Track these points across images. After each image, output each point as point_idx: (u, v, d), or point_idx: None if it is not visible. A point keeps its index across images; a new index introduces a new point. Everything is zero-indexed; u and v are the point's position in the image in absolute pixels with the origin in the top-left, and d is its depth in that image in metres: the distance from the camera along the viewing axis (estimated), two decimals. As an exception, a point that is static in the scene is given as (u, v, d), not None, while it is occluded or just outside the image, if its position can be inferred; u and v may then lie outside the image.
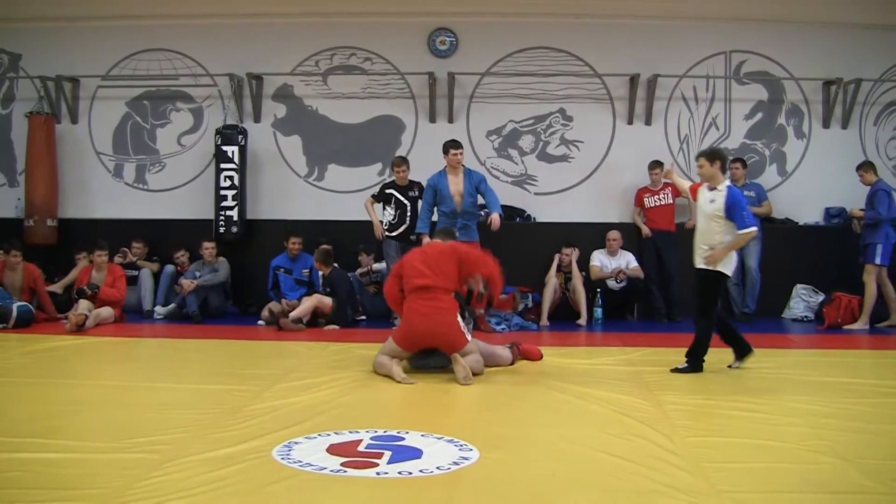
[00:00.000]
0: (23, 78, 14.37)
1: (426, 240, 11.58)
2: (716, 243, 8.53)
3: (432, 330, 8.11)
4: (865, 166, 12.49)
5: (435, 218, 11.97)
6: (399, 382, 7.75)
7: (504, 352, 8.66)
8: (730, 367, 8.66)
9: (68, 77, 14.18)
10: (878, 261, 12.17)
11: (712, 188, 8.70)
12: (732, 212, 8.42)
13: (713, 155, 8.77)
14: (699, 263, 8.67)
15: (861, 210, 12.48)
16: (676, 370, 8.50)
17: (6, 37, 14.46)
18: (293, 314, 11.79)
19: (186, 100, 14.30)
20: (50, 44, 14.22)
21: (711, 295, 8.68)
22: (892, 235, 12.19)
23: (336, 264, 12.26)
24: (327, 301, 11.91)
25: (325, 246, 12.51)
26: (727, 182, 8.71)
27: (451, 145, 11.79)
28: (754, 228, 8.59)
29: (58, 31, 14.23)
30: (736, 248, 8.64)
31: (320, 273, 12.40)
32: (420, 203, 12.37)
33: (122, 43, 14.23)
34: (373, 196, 12.76)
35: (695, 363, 8.57)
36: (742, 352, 8.73)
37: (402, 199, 12.51)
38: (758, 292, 13.02)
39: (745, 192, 12.86)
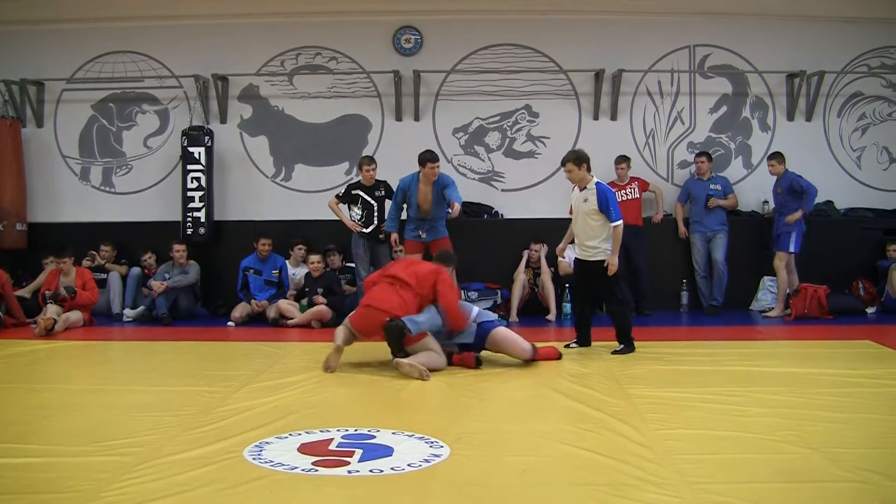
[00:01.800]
0: (-14, 82, 14.29)
1: (394, 237, 11.64)
2: (596, 238, 9.34)
3: (382, 320, 8.20)
4: (779, 157, 12.80)
5: (403, 216, 11.99)
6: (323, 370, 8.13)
7: (526, 344, 8.63)
8: (567, 346, 9.34)
9: (33, 80, 14.08)
10: (792, 248, 12.55)
11: (583, 188, 9.37)
12: (604, 206, 9.18)
13: (578, 159, 9.42)
14: (583, 257, 9.62)
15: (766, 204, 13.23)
16: (616, 352, 9.13)
17: (-31, 41, 14.38)
18: (292, 322, 12.02)
19: (152, 102, 14.23)
20: (13, 47, 14.12)
21: (613, 283, 9.41)
22: (804, 225, 12.59)
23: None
24: (326, 311, 11.90)
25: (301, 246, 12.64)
26: (595, 180, 9.40)
27: (429, 158, 11.57)
28: (620, 222, 9.29)
29: (21, 34, 14.12)
30: (618, 243, 9.33)
31: (298, 273, 12.48)
32: (387, 202, 12.38)
33: (87, 45, 14.14)
34: (337, 196, 12.66)
35: (629, 343, 9.30)
36: (582, 341, 9.62)
37: (368, 199, 12.46)
38: (725, 284, 13.09)
39: (711, 186, 13.03)
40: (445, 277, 8.74)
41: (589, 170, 9.44)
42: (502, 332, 8.67)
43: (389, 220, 11.89)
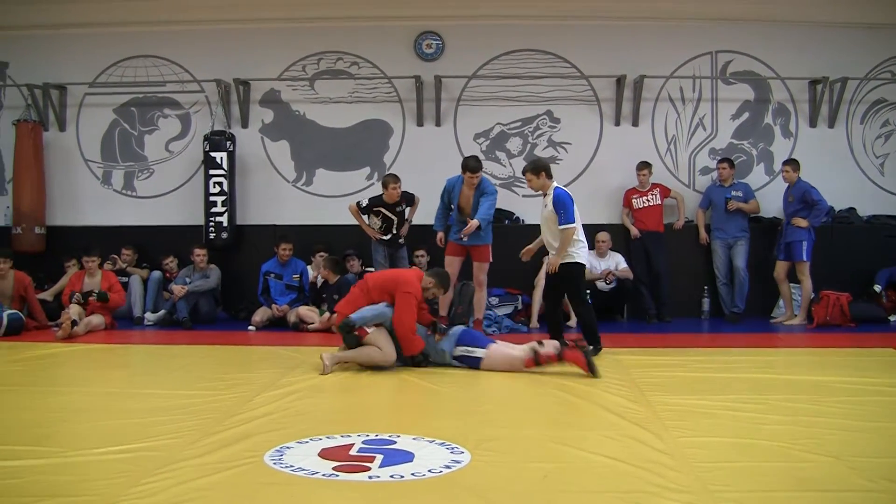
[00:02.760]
0: (10, 86, 14.34)
1: (440, 236, 11.54)
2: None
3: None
4: (794, 164, 12.74)
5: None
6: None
7: (515, 351, 8.59)
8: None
9: (55, 85, 14.16)
10: (805, 257, 12.47)
11: (546, 195, 9.66)
12: (558, 209, 9.40)
13: (535, 168, 9.73)
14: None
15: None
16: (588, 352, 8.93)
17: (-7, 45, 14.46)
18: (312, 327, 12.10)
19: (174, 106, 14.29)
20: (37, 52, 14.20)
21: (577, 285, 9.66)
22: (813, 234, 12.55)
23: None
24: None
25: (328, 255, 12.59)
26: (554, 185, 9.70)
27: (467, 167, 11.23)
28: (571, 226, 9.46)
29: (44, 38, 14.20)
30: (566, 247, 9.47)
31: (320, 279, 12.51)
32: (407, 210, 12.40)
33: (109, 50, 14.21)
34: (358, 204, 12.63)
35: (597, 343, 9.50)
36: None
37: (389, 214, 12.38)
38: (746, 292, 13.04)
39: (733, 192, 12.97)
40: (408, 295, 8.72)
41: (549, 177, 9.77)
42: (489, 361, 8.58)
43: (437, 220, 11.70)
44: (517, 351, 8.54)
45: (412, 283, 8.80)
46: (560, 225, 9.40)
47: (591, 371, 8.05)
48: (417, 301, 8.78)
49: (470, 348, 8.63)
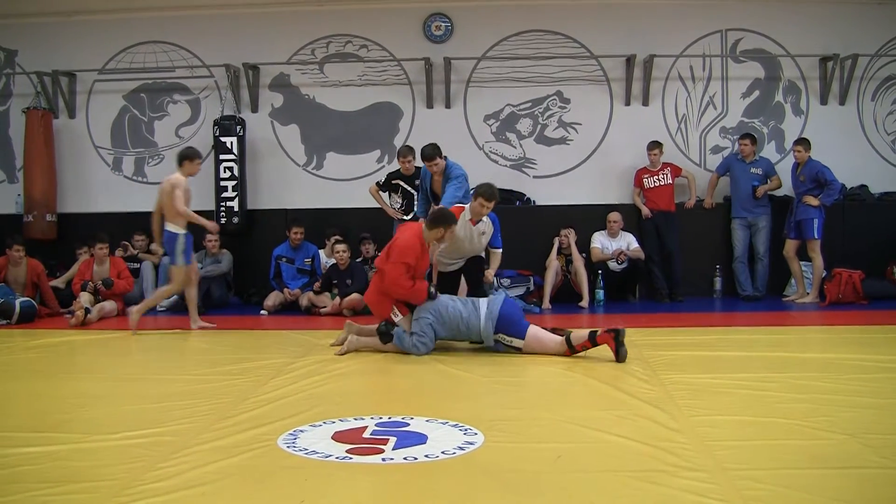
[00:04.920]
0: (19, 74, 14.38)
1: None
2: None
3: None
4: (806, 143, 12.71)
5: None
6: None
7: (551, 344, 8.36)
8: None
9: (65, 72, 14.20)
10: (816, 235, 12.47)
11: (478, 221, 9.62)
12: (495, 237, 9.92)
13: (489, 197, 9.38)
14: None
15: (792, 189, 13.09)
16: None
17: (1, 33, 14.48)
18: (325, 311, 12.16)
19: (183, 91, 14.31)
20: (46, 39, 14.23)
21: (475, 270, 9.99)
22: (824, 212, 12.52)
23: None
24: (357, 298, 11.83)
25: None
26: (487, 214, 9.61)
27: (425, 156, 10.92)
28: (500, 250, 10.19)
29: (53, 26, 14.23)
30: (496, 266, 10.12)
31: (332, 262, 12.50)
32: None
33: (118, 36, 14.24)
34: (377, 184, 12.69)
35: None
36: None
37: (408, 188, 12.38)
38: (767, 276, 13.14)
39: (752, 169, 12.97)
40: (395, 265, 8.51)
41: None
42: (527, 351, 8.43)
43: (419, 207, 11.72)
44: (552, 343, 8.42)
45: (404, 251, 8.52)
46: (493, 246, 9.95)
47: (618, 356, 7.98)
48: (411, 265, 8.51)
49: (508, 337, 8.46)
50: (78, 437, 5.38)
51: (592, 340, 8.09)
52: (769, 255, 13.11)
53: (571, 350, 8.17)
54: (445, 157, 10.80)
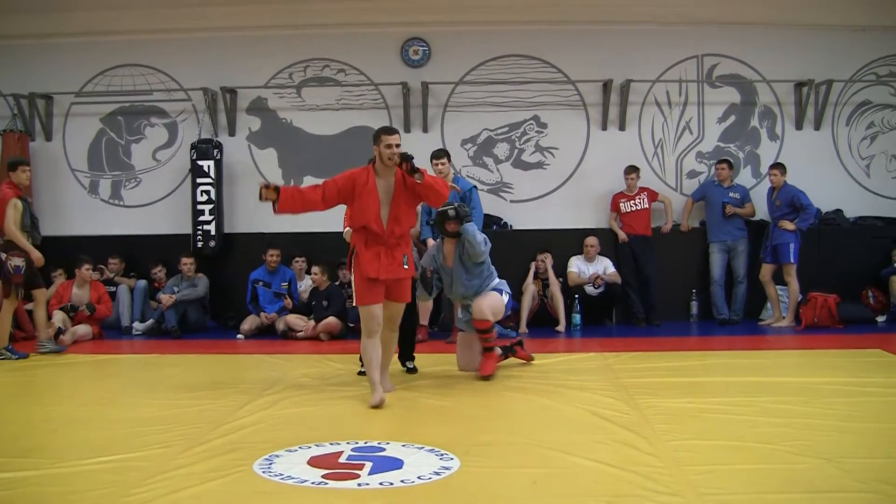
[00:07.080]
0: (-5, 96, 14.33)
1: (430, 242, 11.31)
2: None
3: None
4: (782, 168, 12.79)
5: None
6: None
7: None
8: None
9: (42, 94, 14.13)
10: (792, 259, 12.51)
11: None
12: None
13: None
14: None
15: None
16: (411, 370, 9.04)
17: (-23, 55, 14.41)
18: (301, 335, 12.07)
19: (161, 115, 14.26)
20: (22, 61, 14.16)
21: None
22: (800, 235, 12.56)
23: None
24: (334, 322, 11.87)
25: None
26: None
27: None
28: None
29: (30, 48, 14.16)
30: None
31: (311, 287, 12.47)
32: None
33: (95, 59, 14.18)
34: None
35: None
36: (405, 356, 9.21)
37: None
38: (744, 300, 13.19)
39: (730, 194, 13.04)
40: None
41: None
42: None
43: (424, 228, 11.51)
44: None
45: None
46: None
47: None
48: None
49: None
50: (49, 463, 5.36)
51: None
52: (747, 279, 13.12)
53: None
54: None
